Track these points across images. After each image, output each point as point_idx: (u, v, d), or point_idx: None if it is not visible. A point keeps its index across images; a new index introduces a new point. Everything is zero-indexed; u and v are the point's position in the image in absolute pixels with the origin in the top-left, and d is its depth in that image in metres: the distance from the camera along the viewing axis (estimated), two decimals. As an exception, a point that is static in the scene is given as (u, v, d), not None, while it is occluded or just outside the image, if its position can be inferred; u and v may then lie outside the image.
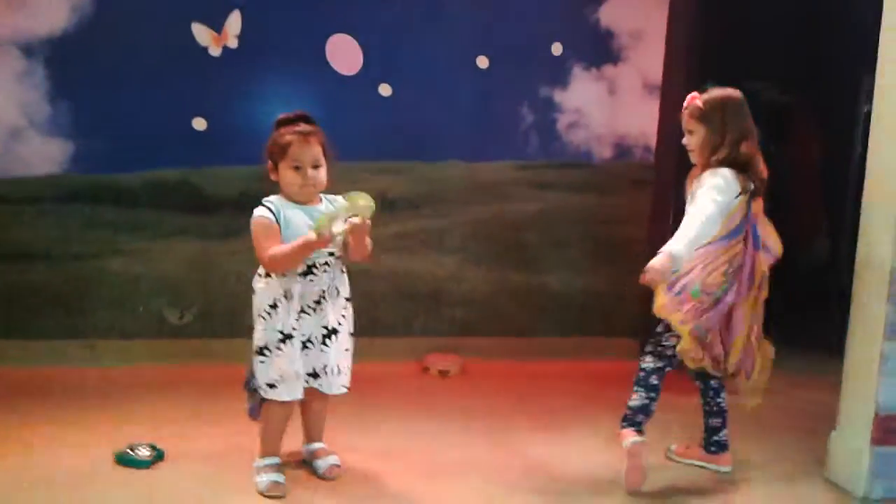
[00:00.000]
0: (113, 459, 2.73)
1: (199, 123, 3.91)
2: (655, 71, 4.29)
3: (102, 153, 3.84)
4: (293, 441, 2.78)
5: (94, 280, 3.88)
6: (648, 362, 2.77)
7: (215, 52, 3.90)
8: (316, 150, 2.57)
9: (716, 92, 2.78)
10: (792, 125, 4.84)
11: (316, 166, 2.56)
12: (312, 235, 2.43)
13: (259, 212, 2.56)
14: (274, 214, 2.54)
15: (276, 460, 2.64)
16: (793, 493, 2.78)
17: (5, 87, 3.75)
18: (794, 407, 3.62)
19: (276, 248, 2.50)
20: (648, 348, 2.79)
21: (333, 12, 4.00)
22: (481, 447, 3.03)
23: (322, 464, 2.71)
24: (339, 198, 2.59)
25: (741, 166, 2.69)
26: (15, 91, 3.77)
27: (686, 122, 2.78)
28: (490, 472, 2.80)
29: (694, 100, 2.77)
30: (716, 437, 2.91)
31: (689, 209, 2.67)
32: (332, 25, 4.00)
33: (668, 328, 2.72)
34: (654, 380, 2.75)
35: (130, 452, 2.73)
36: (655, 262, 2.50)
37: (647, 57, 4.29)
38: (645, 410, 2.73)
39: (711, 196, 2.62)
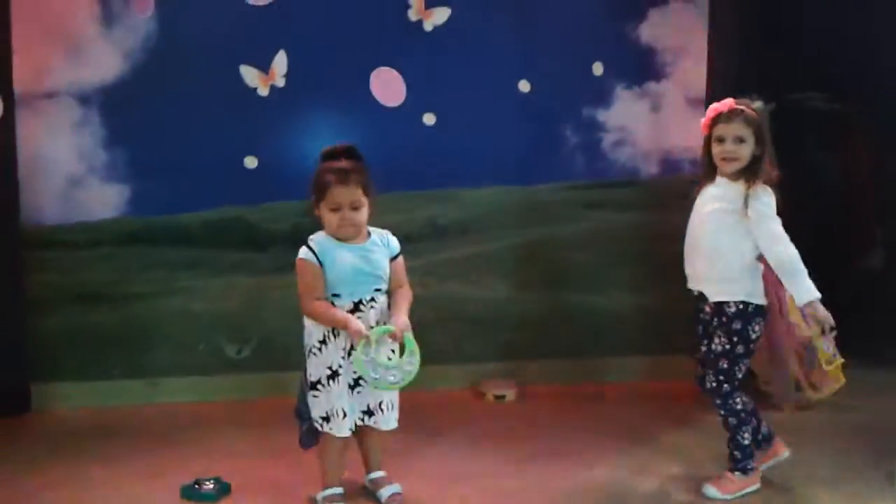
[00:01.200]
0: (179, 495, 2.78)
1: (251, 161, 4.01)
2: (699, 85, 4.25)
3: (158, 195, 3.94)
4: (356, 468, 2.80)
5: (154, 319, 3.98)
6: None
7: (263, 91, 4.00)
8: (355, 192, 2.56)
9: (755, 102, 2.73)
10: (840, 134, 4.75)
11: (355, 207, 2.57)
12: (359, 333, 2.47)
13: (302, 253, 2.58)
14: (316, 255, 2.56)
15: (338, 490, 2.66)
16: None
17: (63, 136, 3.89)
18: (858, 421, 3.53)
19: (318, 306, 2.54)
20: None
21: (376, 46, 4.06)
22: (541, 472, 3.01)
23: (385, 493, 2.72)
24: (388, 234, 2.64)
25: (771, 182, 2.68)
26: (72, 139, 3.90)
27: (740, 128, 2.66)
28: (551, 497, 2.78)
29: (738, 105, 2.69)
30: (759, 435, 2.84)
31: (765, 232, 2.63)
32: (375, 59, 4.07)
33: None
34: None
35: (196, 487, 2.79)
36: (821, 312, 2.54)
37: (690, 71, 4.26)
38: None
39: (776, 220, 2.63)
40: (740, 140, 2.66)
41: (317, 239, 2.61)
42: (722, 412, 2.76)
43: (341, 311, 2.53)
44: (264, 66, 4.00)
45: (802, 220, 4.05)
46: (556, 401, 3.93)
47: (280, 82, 4.01)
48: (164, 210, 3.96)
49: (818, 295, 2.56)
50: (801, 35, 4.28)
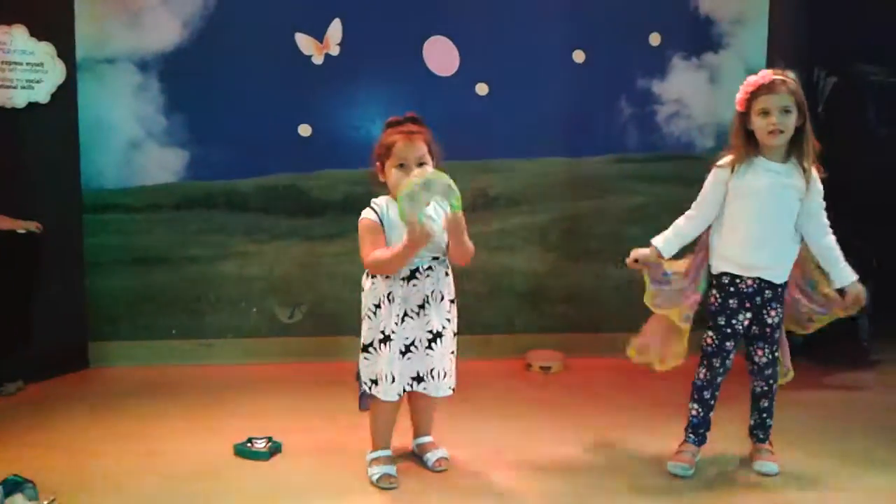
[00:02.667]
0: (233, 452, 2.86)
1: (305, 130, 4.05)
2: (758, 57, 4.16)
3: (215, 161, 4.02)
4: (406, 434, 2.85)
5: (209, 282, 4.08)
6: None
7: (318, 60, 4.03)
8: (421, 148, 2.58)
9: (789, 73, 2.64)
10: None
11: (421, 164, 2.57)
12: (412, 234, 2.42)
13: (365, 213, 2.61)
14: (379, 216, 2.59)
15: (387, 452, 2.71)
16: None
17: (123, 101, 3.98)
18: None
19: (378, 252, 2.54)
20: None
21: (429, 15, 4.06)
22: (587, 443, 3.02)
23: (431, 456, 2.77)
24: (429, 170, 2.55)
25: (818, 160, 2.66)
26: (132, 105, 3.99)
27: (785, 98, 2.55)
28: (596, 468, 2.79)
29: (780, 74, 2.60)
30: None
31: (823, 219, 2.67)
32: (428, 28, 4.07)
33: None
34: None
35: (249, 445, 2.86)
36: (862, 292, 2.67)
37: (749, 43, 4.18)
38: None
39: None
40: (786, 111, 2.57)
41: (380, 202, 2.63)
42: (770, 381, 2.78)
43: (392, 246, 2.53)
44: (319, 35, 4.02)
45: (865, 195, 4.01)
46: (602, 373, 3.93)
47: (334, 51, 4.04)
48: (220, 175, 4.04)
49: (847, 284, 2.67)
50: (864, 6, 4.15)
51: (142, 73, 3.97)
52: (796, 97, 2.58)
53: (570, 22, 4.13)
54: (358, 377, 2.70)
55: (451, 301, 2.69)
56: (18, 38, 3.65)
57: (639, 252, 2.79)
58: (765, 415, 2.81)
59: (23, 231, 3.54)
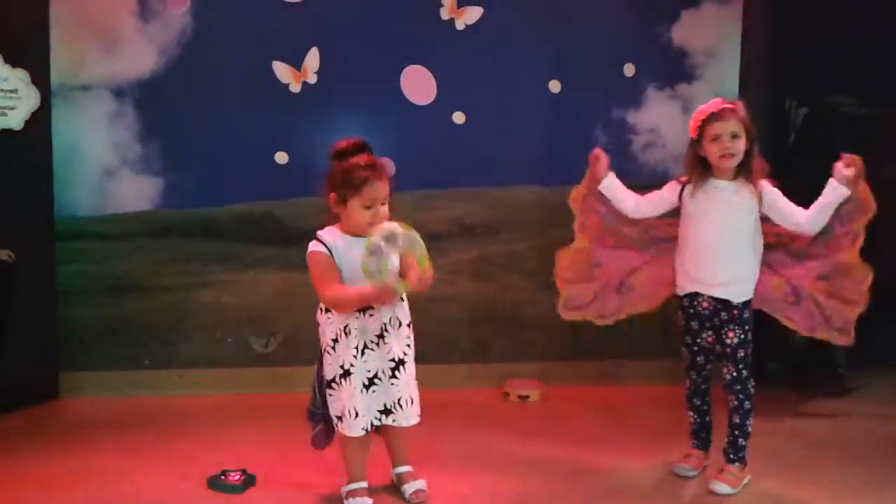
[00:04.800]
0: (206, 485, 2.82)
1: (282, 157, 4.04)
2: (731, 88, 4.22)
3: (191, 189, 3.99)
4: (384, 465, 2.82)
5: (183, 311, 4.03)
6: None
7: (295, 88, 4.03)
8: (387, 187, 2.56)
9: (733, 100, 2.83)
10: (873, 139, 4.69)
11: (383, 203, 2.56)
12: (382, 295, 2.44)
13: (314, 247, 2.57)
14: (328, 249, 2.55)
15: (362, 484, 2.68)
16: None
17: (98, 128, 3.94)
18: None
19: (339, 291, 2.51)
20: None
21: (407, 45, 4.08)
22: (566, 474, 3.00)
23: (409, 488, 2.74)
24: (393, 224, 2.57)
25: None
26: (107, 132, 3.95)
27: (734, 124, 2.73)
28: (574, 497, 2.78)
29: (728, 103, 2.77)
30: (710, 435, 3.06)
31: (787, 205, 2.78)
32: (405, 58, 4.09)
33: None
34: None
35: (223, 479, 2.81)
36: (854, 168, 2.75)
37: (722, 74, 4.23)
38: None
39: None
40: (735, 136, 2.74)
41: (327, 236, 2.58)
42: (741, 397, 2.83)
43: (353, 288, 2.50)
44: (297, 63, 4.03)
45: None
46: (580, 402, 3.93)
47: (312, 79, 4.04)
48: (195, 203, 4.01)
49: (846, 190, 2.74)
50: (835, 38, 4.23)
51: (117, 100, 3.95)
52: (744, 123, 2.76)
53: (546, 52, 4.17)
54: (310, 416, 2.68)
55: (409, 325, 2.67)
56: (-8, 64, 3.63)
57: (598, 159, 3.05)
58: (736, 432, 2.86)
59: (-6, 259, 3.50)
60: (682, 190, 2.89)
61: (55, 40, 3.85)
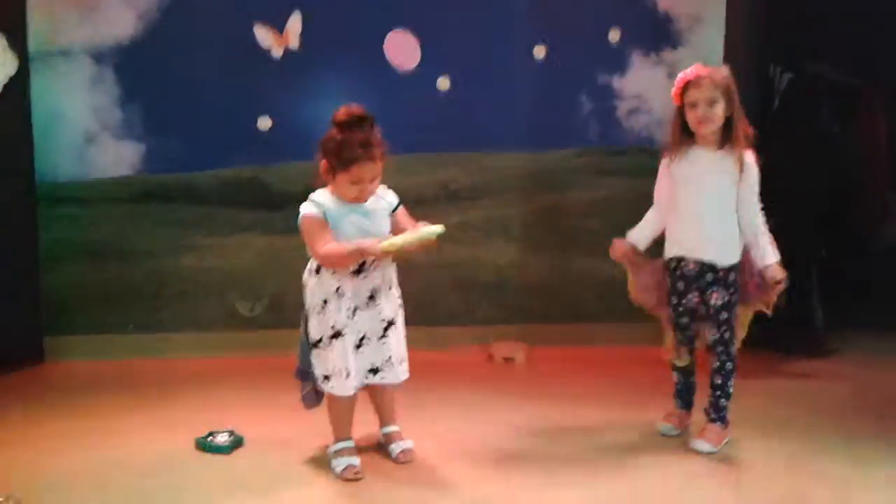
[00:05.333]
0: (194, 446, 2.83)
1: (264, 122, 4.02)
2: (716, 53, 4.21)
3: (173, 154, 3.97)
4: (369, 426, 2.85)
5: (168, 276, 4.02)
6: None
7: (277, 52, 4.00)
8: (378, 167, 2.55)
9: (718, 68, 2.85)
10: (858, 107, 4.71)
11: (373, 179, 2.57)
12: (373, 248, 2.44)
13: (307, 208, 2.57)
14: (322, 211, 2.55)
15: (349, 444, 2.69)
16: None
17: (78, 93, 3.91)
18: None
19: (331, 247, 2.51)
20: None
21: (391, 8, 4.06)
22: (551, 434, 3.04)
23: (395, 448, 2.76)
24: (385, 189, 2.64)
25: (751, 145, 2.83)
26: (87, 97, 3.92)
27: (710, 91, 2.74)
28: (557, 459, 2.82)
29: (704, 69, 2.79)
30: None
31: (755, 204, 2.80)
32: (389, 22, 4.06)
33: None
34: None
35: (211, 439, 2.83)
36: (780, 273, 2.77)
37: (707, 39, 4.23)
38: None
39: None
40: (712, 102, 2.75)
41: (320, 199, 2.58)
42: (723, 357, 2.88)
43: (348, 243, 2.51)
44: (279, 27, 3.99)
45: (817, 191, 4.10)
46: (564, 364, 3.97)
47: (294, 43, 4.01)
48: (177, 168, 3.99)
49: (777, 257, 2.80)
50: (820, 5, 4.24)
51: (97, 64, 3.91)
52: (722, 89, 2.76)
53: (530, 17, 4.15)
54: (299, 375, 2.70)
55: (397, 286, 2.72)
56: (-32, 28, 3.57)
57: (617, 250, 3.00)
58: (718, 392, 2.90)
59: (-26, 225, 3.47)
60: (671, 160, 2.90)
61: (32, 5, 3.79)
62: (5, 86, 3.67)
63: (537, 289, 4.27)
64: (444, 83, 4.13)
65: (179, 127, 3.97)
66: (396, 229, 2.63)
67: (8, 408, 3.24)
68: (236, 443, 2.84)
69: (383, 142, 2.58)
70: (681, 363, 3.00)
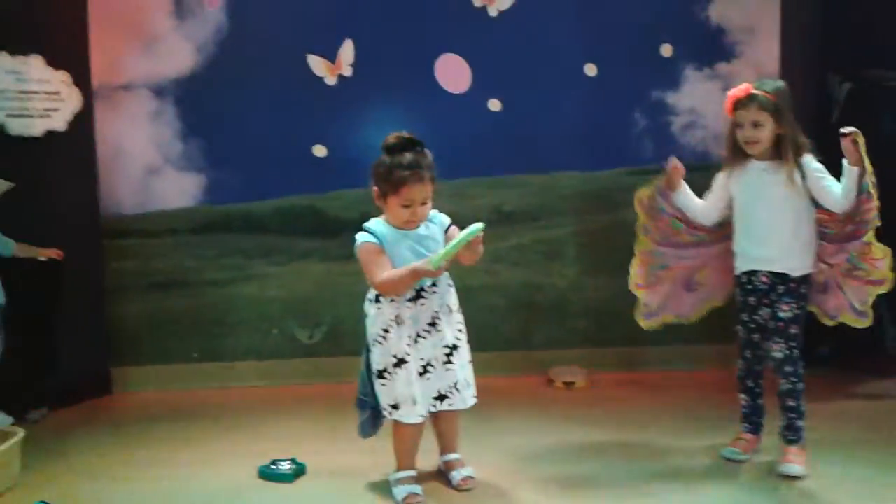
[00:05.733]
0: (257, 474, 2.86)
1: (320, 150, 4.07)
2: (771, 65, 4.16)
3: (232, 184, 4.06)
4: (431, 455, 2.83)
5: (229, 304, 4.09)
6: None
7: (331, 81, 4.06)
8: (427, 189, 2.56)
9: (773, 82, 2.83)
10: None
11: (424, 203, 2.58)
12: (426, 266, 2.45)
13: (362, 237, 2.59)
14: (376, 236, 2.57)
15: (411, 473, 2.69)
16: None
17: (140, 127, 4.02)
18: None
19: (388, 273, 2.52)
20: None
21: (441, 33, 4.09)
22: (615, 459, 2.99)
23: (456, 475, 2.74)
24: (436, 212, 2.64)
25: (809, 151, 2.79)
26: (149, 130, 4.03)
27: (755, 113, 2.73)
28: (621, 483, 2.77)
29: (749, 90, 2.75)
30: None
31: (830, 185, 2.71)
32: (439, 46, 4.10)
33: None
34: None
35: (273, 467, 2.85)
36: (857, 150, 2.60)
37: (762, 51, 4.18)
38: None
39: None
40: (756, 124, 2.74)
41: (374, 226, 2.61)
42: (792, 379, 2.80)
43: (404, 268, 2.52)
44: (331, 56, 4.05)
45: (881, 202, 3.98)
46: (624, 388, 3.91)
47: (347, 71, 4.06)
48: (237, 198, 4.07)
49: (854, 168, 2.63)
50: (877, 11, 4.13)
51: (157, 98, 4.01)
52: (769, 110, 2.73)
53: (580, 36, 4.14)
54: (358, 404, 2.70)
55: (458, 311, 2.71)
56: (35, 67, 3.69)
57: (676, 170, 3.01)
58: (792, 415, 2.83)
59: (44, 259, 3.57)
60: (727, 174, 2.91)
61: (94, 42, 3.91)
62: (70, 122, 3.78)
63: (595, 311, 4.22)
64: (495, 105, 4.13)
65: (238, 157, 4.05)
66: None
67: (76, 438, 3.32)
68: (299, 471, 2.86)
69: (433, 165, 2.60)
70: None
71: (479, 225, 2.49)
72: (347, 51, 4.05)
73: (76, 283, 3.76)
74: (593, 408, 3.62)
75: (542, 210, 4.19)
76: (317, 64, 4.05)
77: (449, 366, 2.62)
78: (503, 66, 4.12)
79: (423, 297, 2.60)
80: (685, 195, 3.01)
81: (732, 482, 2.75)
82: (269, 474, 2.84)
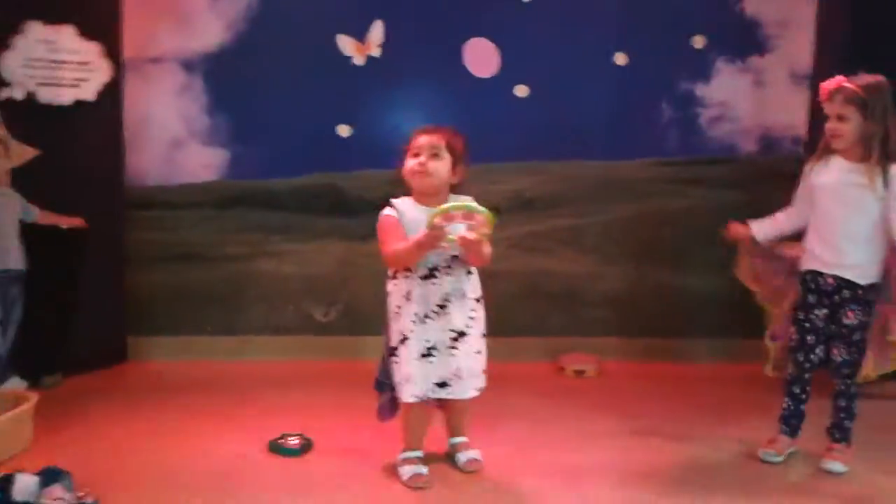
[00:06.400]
0: (267, 448, 2.88)
1: (344, 130, 4.07)
2: (805, 60, 4.10)
3: (256, 160, 4.08)
4: (440, 438, 2.84)
5: (247, 279, 4.13)
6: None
7: (360, 61, 4.06)
8: (436, 140, 2.58)
9: (869, 78, 2.68)
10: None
11: (434, 155, 2.57)
12: (427, 233, 2.43)
13: (385, 211, 2.61)
14: (398, 214, 2.58)
15: (418, 453, 2.69)
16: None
17: (168, 100, 4.05)
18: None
19: (396, 245, 2.54)
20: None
21: (470, 17, 4.07)
22: (618, 447, 2.98)
23: (462, 457, 2.75)
24: (469, 199, 2.58)
25: None
26: (176, 104, 4.06)
27: (840, 106, 2.65)
28: (628, 472, 2.75)
29: (843, 83, 2.67)
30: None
31: None
32: (469, 30, 4.08)
33: None
34: None
35: (282, 442, 2.88)
36: None
37: (796, 46, 4.11)
38: None
39: None
40: (840, 118, 2.66)
41: (398, 202, 2.62)
42: (848, 381, 2.78)
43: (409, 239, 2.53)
44: (361, 36, 4.05)
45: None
46: (636, 378, 3.89)
47: (376, 52, 4.06)
48: (260, 175, 4.09)
49: None
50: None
51: (186, 73, 4.04)
52: (856, 104, 2.63)
53: (612, 24, 4.10)
54: (377, 386, 2.71)
55: (477, 300, 2.66)
56: (66, 37, 3.72)
57: (732, 230, 2.99)
58: (842, 415, 2.81)
59: (66, 226, 3.61)
60: (811, 166, 2.82)
61: (127, 14, 3.94)
62: (99, 92, 3.81)
63: (611, 301, 4.20)
64: (522, 91, 4.11)
65: (263, 134, 4.07)
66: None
67: (91, 406, 3.36)
68: (307, 446, 2.88)
69: (455, 136, 2.63)
70: (773, 374, 2.96)
71: (483, 210, 2.45)
72: (377, 31, 4.05)
73: (97, 252, 3.81)
74: (603, 396, 3.61)
75: (564, 198, 4.17)
76: (346, 44, 4.05)
77: (454, 351, 2.58)
78: (532, 53, 4.09)
79: (434, 277, 2.58)
80: (764, 231, 2.94)
81: (742, 474, 2.72)
82: (278, 448, 2.87)
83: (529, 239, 4.14)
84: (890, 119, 2.63)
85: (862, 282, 2.71)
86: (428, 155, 2.57)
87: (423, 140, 2.59)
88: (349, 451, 2.89)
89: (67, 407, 3.33)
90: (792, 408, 2.89)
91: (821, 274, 2.76)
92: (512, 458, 2.84)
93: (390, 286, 2.65)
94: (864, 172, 2.65)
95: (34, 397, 2.90)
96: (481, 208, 2.46)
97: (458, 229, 2.44)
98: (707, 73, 4.13)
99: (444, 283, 2.59)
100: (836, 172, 2.71)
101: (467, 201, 2.52)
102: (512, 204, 4.10)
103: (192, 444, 2.95)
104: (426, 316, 2.57)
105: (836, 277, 2.73)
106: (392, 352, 2.62)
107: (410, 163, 2.58)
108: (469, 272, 2.64)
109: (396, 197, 2.65)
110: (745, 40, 4.12)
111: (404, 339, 2.58)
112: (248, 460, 2.80)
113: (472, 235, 2.43)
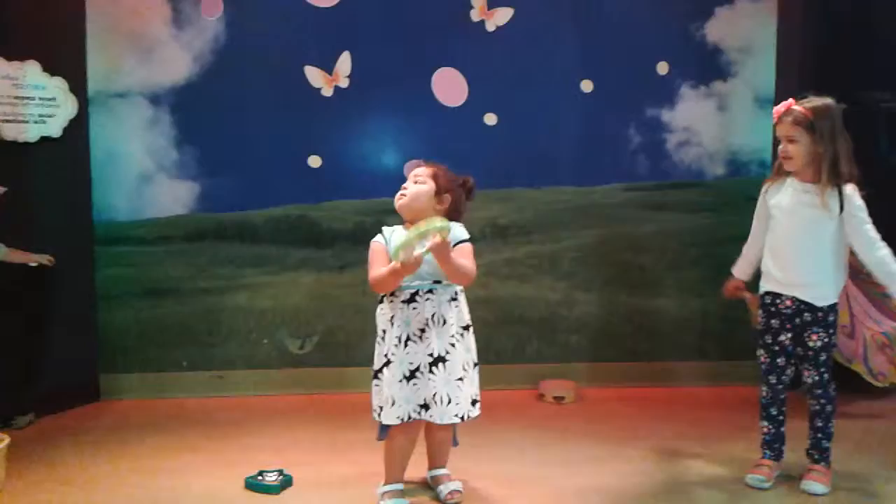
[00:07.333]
0: (244, 485, 2.83)
1: (315, 161, 4.07)
2: (767, 84, 4.18)
3: (226, 193, 4.05)
4: (421, 466, 2.82)
5: (220, 313, 4.07)
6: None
7: (328, 92, 4.06)
8: (422, 169, 2.70)
9: (817, 100, 2.74)
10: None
11: (416, 182, 2.67)
12: (396, 263, 2.49)
13: (375, 238, 2.68)
14: (385, 240, 2.64)
15: (398, 486, 2.67)
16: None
17: (135, 134, 4.01)
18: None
19: (376, 271, 2.59)
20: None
21: (438, 47, 4.09)
22: (600, 475, 2.97)
23: (444, 489, 2.73)
24: (456, 225, 2.61)
25: (855, 182, 2.71)
26: (144, 138, 4.02)
27: (789, 128, 2.71)
28: (609, 499, 2.75)
29: (791, 106, 2.73)
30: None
31: (863, 236, 2.68)
32: (436, 60, 4.10)
33: None
34: None
35: (260, 479, 2.83)
36: None
37: (758, 70, 4.19)
38: None
39: (870, 222, 2.69)
40: (790, 140, 2.71)
41: (388, 229, 2.68)
42: (822, 401, 2.80)
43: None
44: (328, 67, 4.05)
45: (874, 218, 3.98)
46: (615, 403, 3.90)
47: (344, 83, 4.07)
48: (230, 207, 4.06)
49: None
50: (873, 33, 4.15)
51: (153, 106, 4.01)
52: (803, 126, 2.69)
53: (577, 52, 4.16)
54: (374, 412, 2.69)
55: (464, 327, 2.67)
56: (31, 73, 3.69)
57: (727, 288, 3.01)
58: (819, 435, 2.83)
59: (35, 264, 3.55)
60: (765, 188, 2.88)
61: (91, 49, 3.92)
62: (65, 128, 3.78)
63: (587, 326, 4.22)
64: (491, 119, 4.14)
65: (232, 166, 4.05)
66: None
67: (63, 446, 3.29)
68: (285, 483, 2.84)
69: (443, 169, 2.72)
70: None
71: (438, 221, 2.45)
72: (345, 62, 4.06)
73: (68, 289, 3.75)
74: (583, 422, 3.61)
75: (537, 224, 4.19)
76: (314, 75, 4.06)
77: (431, 376, 2.57)
78: (500, 81, 4.13)
79: (416, 302, 2.60)
80: (743, 271, 2.99)
81: (727, 497, 2.73)
82: (255, 486, 2.81)
83: (505, 267, 4.15)
84: (839, 140, 2.68)
85: (820, 304, 2.75)
86: (412, 182, 2.68)
87: (410, 170, 2.73)
88: (328, 486, 2.85)
89: (40, 447, 3.25)
90: (773, 430, 2.90)
91: (779, 296, 2.80)
92: (492, 487, 2.83)
93: (378, 311, 2.68)
94: (817, 193, 2.70)
95: (6, 438, 2.83)
96: (436, 223, 2.44)
97: (425, 244, 2.47)
98: (672, 98, 4.20)
99: (425, 307, 2.61)
100: (791, 193, 2.77)
101: (435, 222, 2.48)
102: (485, 232, 4.11)
103: (167, 483, 2.89)
104: (408, 339, 2.59)
105: (794, 299, 2.77)
106: (375, 374, 2.62)
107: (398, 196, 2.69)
108: (453, 298, 2.65)
109: (367, 228, 2.71)
110: (709, 66, 4.20)
111: (388, 363, 2.59)
112: (224, 499, 2.75)
113: (435, 239, 2.45)
